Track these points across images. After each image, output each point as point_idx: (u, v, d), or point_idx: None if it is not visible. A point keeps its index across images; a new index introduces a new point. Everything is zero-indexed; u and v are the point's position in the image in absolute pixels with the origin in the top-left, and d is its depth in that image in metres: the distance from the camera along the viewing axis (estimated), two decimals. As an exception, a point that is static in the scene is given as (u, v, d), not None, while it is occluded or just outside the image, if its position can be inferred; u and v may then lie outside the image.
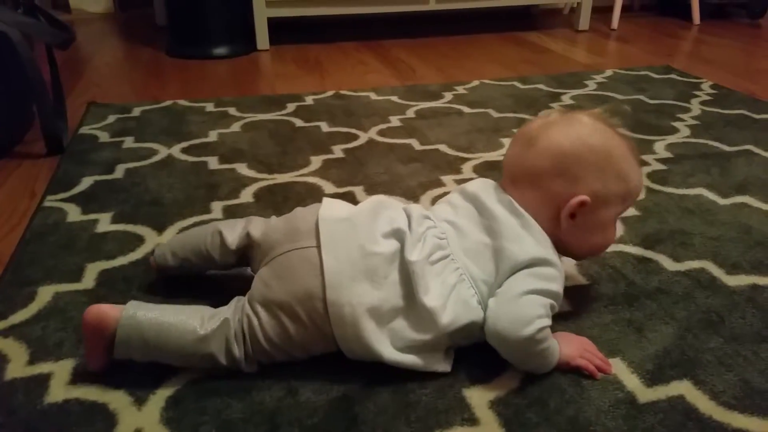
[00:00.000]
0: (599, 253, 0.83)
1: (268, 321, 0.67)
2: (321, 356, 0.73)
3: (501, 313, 0.67)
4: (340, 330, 0.66)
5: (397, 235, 0.70)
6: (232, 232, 0.79)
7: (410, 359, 0.68)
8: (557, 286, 0.70)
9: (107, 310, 0.67)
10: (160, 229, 1.02)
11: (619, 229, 1.02)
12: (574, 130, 0.74)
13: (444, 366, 0.70)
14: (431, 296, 0.67)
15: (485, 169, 1.24)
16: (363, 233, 0.70)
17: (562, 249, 0.75)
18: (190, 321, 0.68)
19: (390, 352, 0.67)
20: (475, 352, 0.73)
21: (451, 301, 0.68)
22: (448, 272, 0.69)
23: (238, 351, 0.68)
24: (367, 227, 0.70)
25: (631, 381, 0.70)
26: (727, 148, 1.35)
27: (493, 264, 0.70)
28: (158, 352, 0.68)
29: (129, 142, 1.39)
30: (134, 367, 0.71)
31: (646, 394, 0.68)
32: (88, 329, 0.67)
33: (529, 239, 0.71)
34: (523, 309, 0.67)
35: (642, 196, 1.13)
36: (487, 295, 0.70)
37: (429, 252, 0.69)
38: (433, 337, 0.68)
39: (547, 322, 0.68)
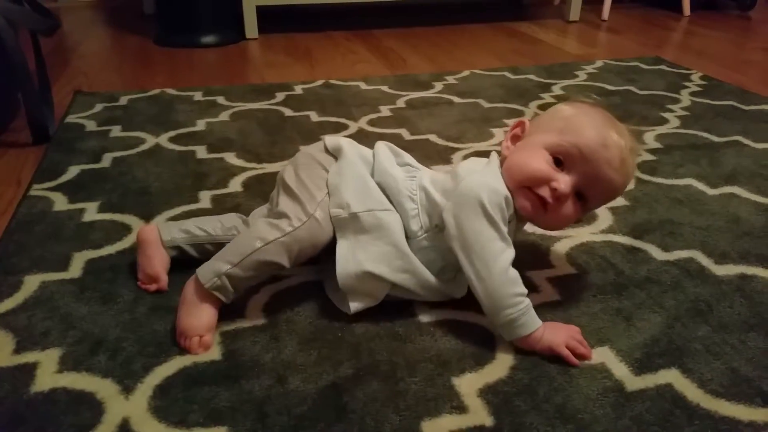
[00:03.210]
0: (518, 178, 0.74)
1: (287, 170, 0.82)
2: (309, 344, 0.73)
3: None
4: (332, 142, 0.83)
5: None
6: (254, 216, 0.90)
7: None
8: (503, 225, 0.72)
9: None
10: (147, 218, 1.01)
11: (608, 219, 1.02)
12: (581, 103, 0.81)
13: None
14: (383, 163, 0.81)
15: (475, 159, 1.24)
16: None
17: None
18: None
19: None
20: (464, 341, 0.73)
21: (394, 175, 0.79)
22: (403, 173, 0.81)
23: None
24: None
25: (620, 369, 0.70)
26: (716, 139, 1.35)
27: (445, 183, 0.78)
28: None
29: (116, 131, 1.37)
30: (122, 354, 0.71)
31: (634, 383, 0.68)
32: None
33: (483, 172, 0.76)
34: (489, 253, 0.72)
35: (631, 186, 1.14)
36: (424, 202, 0.77)
37: (399, 162, 0.83)
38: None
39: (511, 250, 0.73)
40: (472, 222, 0.71)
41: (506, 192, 0.73)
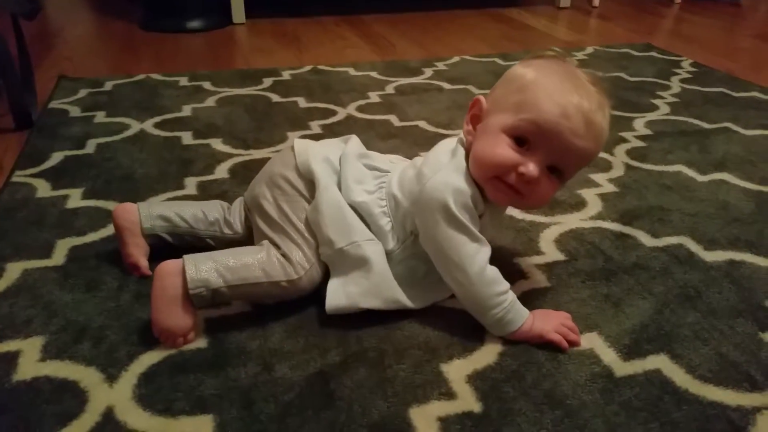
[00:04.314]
0: (483, 170, 0.70)
1: (263, 192, 0.79)
2: (296, 332, 0.72)
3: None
4: (302, 161, 0.78)
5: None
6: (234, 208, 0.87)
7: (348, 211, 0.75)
8: (471, 223, 0.70)
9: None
10: (132, 204, 0.99)
11: (598, 205, 1.02)
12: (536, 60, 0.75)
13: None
14: (349, 182, 0.77)
15: (465, 145, 1.23)
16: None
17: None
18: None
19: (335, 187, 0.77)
20: (452, 327, 0.73)
21: (363, 195, 0.76)
22: (372, 182, 0.78)
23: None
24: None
25: (608, 355, 0.70)
26: (706, 126, 1.35)
27: (411, 185, 0.74)
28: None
29: (100, 117, 1.35)
30: (106, 342, 0.70)
31: (622, 368, 0.68)
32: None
33: (446, 169, 0.72)
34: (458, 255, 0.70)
35: (620, 172, 1.14)
36: (395, 211, 0.75)
37: (367, 165, 0.79)
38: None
39: (486, 253, 0.71)
40: (441, 227, 0.70)
41: (471, 189, 0.70)
